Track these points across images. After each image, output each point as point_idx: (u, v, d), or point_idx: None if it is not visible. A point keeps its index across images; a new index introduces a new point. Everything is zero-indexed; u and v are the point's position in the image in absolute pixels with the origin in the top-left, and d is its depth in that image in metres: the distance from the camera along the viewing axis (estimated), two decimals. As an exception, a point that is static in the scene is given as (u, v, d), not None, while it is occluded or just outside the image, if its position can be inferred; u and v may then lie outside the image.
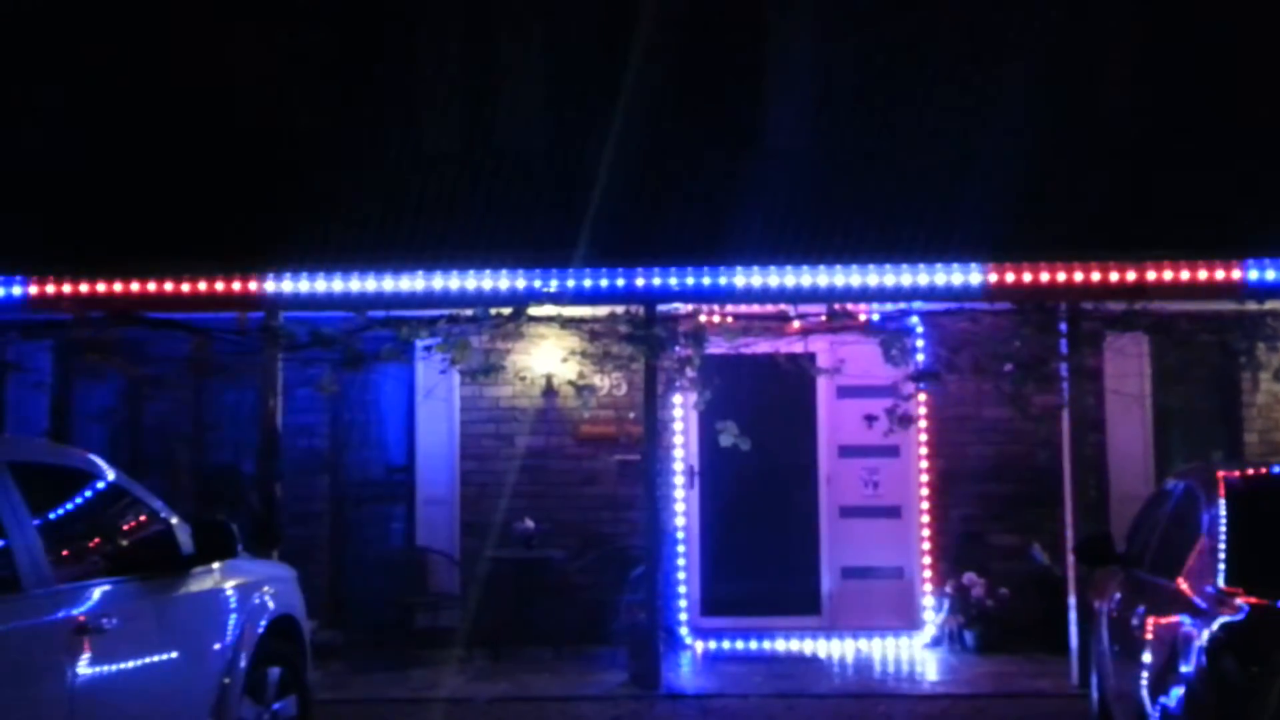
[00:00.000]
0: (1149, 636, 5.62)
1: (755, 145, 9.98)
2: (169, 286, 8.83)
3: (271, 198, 9.49)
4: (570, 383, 9.40)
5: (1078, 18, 9.97)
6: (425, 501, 10.47)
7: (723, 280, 8.76)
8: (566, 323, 9.14)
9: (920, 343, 9.65)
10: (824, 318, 9.19)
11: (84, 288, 8.83)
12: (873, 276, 8.68)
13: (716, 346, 9.24)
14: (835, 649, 10.00)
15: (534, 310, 8.81)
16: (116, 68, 9.93)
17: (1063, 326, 8.81)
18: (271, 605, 6.14)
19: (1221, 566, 5.23)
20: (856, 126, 9.91)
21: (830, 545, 10.45)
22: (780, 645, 10.02)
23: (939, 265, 8.69)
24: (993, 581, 9.92)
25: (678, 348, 8.88)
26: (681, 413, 10.22)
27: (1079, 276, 8.63)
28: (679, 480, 10.29)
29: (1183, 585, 5.49)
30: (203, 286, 8.84)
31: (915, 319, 9.42)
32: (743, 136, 9.98)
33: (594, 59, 9.98)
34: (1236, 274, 8.56)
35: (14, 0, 10.02)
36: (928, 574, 10.23)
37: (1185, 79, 9.68)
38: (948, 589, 10.01)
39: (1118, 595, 6.53)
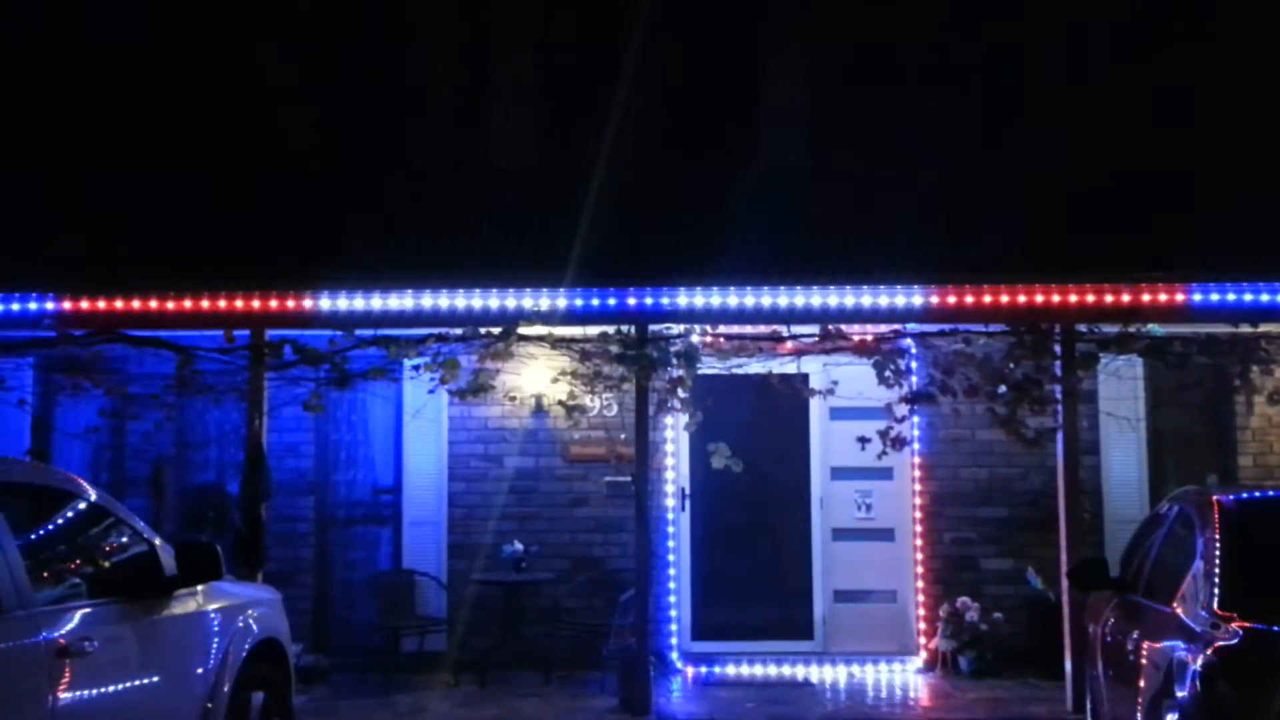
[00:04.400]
0: (1144, 661, 5.59)
1: (747, 165, 9.97)
2: (154, 304, 8.78)
3: (258, 215, 9.44)
4: (560, 403, 9.33)
5: (1071, 44, 10.01)
6: (412, 523, 10.39)
7: (715, 300, 8.73)
8: (557, 342, 9.08)
9: (914, 364, 9.61)
10: (817, 338, 9.14)
11: (67, 304, 8.77)
12: (866, 297, 8.69)
13: (709, 367, 9.19)
14: (828, 674, 9.91)
15: (524, 329, 8.75)
16: (103, 78, 9.89)
17: (1057, 349, 8.78)
18: (255, 628, 6.06)
19: (1216, 591, 5.20)
20: (849, 148, 9.91)
21: (823, 568, 10.39)
22: (772, 670, 9.94)
23: (932, 286, 8.68)
24: (987, 606, 9.87)
25: (669, 368, 8.82)
26: (673, 434, 10.17)
27: (1073, 298, 8.63)
28: (670, 502, 10.23)
29: (1177, 609, 5.46)
30: (188, 304, 8.78)
31: (909, 340, 9.37)
32: (735, 156, 9.97)
33: (585, 78, 9.97)
34: (1232, 296, 8.56)
35: (9, 7, 10.00)
36: (921, 598, 10.17)
37: (1178, 103, 9.70)
38: (941, 613, 9.94)
39: (1112, 620, 6.48)
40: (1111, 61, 9.98)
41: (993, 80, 9.82)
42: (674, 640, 10.07)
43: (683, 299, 8.71)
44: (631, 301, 8.72)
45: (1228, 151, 9.48)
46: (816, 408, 10.20)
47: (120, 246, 9.16)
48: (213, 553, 5.60)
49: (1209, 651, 4.81)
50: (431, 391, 9.03)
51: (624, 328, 8.85)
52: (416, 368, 8.85)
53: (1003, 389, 8.74)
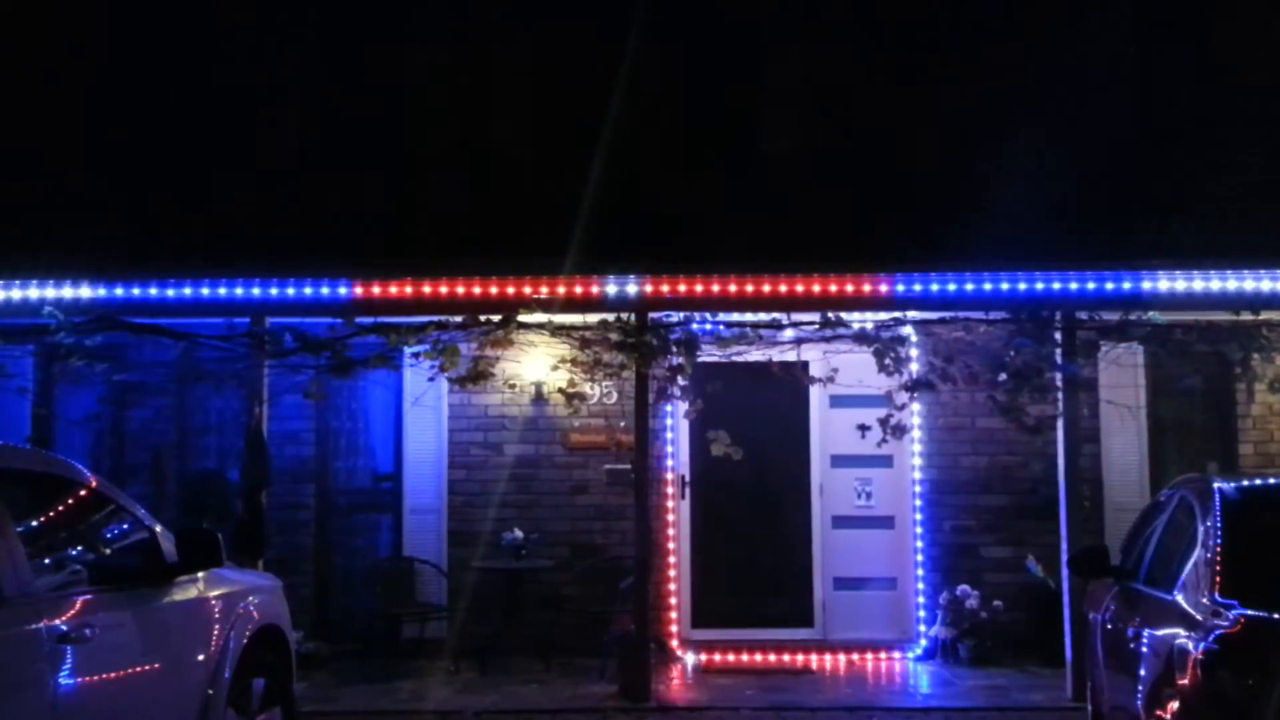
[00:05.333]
0: (1144, 649, 5.59)
1: (747, 152, 9.94)
2: (154, 291, 8.76)
3: (255, 201, 9.42)
4: (560, 391, 9.32)
5: (1071, 36, 9.98)
6: (412, 511, 10.38)
7: (715, 287, 8.71)
8: (557, 330, 9.07)
9: (914, 352, 9.60)
10: (817, 325, 9.12)
11: (68, 292, 8.75)
12: (865, 284, 8.67)
13: (709, 355, 9.17)
14: (828, 661, 9.92)
15: (524, 317, 8.73)
16: (105, 60, 9.87)
17: (1057, 336, 8.76)
18: (256, 615, 6.06)
19: (1217, 578, 5.19)
20: (848, 135, 9.88)
21: (823, 556, 10.39)
22: (772, 657, 9.94)
23: (932, 274, 8.67)
24: (987, 593, 9.87)
25: (669, 355, 8.80)
26: (673, 421, 10.16)
27: (1074, 285, 8.60)
28: (670, 490, 10.23)
29: (1178, 597, 5.46)
30: (188, 291, 8.77)
31: (909, 328, 9.35)
32: (734, 143, 9.94)
33: (585, 67, 9.93)
34: (1233, 285, 8.55)
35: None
36: (921, 585, 10.17)
37: (1182, 85, 9.68)
38: (941, 600, 9.94)
39: (1113, 607, 6.48)
40: (1112, 57, 9.94)
41: (987, 70, 9.78)
42: (674, 627, 10.07)
43: (683, 286, 8.70)
44: (631, 289, 8.70)
45: (1233, 133, 9.48)
46: (816, 395, 10.18)
47: (118, 233, 9.15)
48: (213, 540, 5.61)
49: (1210, 639, 4.80)
50: (431, 379, 9.02)
51: (624, 315, 8.84)
52: (416, 355, 8.84)
53: (1003, 376, 8.73)
